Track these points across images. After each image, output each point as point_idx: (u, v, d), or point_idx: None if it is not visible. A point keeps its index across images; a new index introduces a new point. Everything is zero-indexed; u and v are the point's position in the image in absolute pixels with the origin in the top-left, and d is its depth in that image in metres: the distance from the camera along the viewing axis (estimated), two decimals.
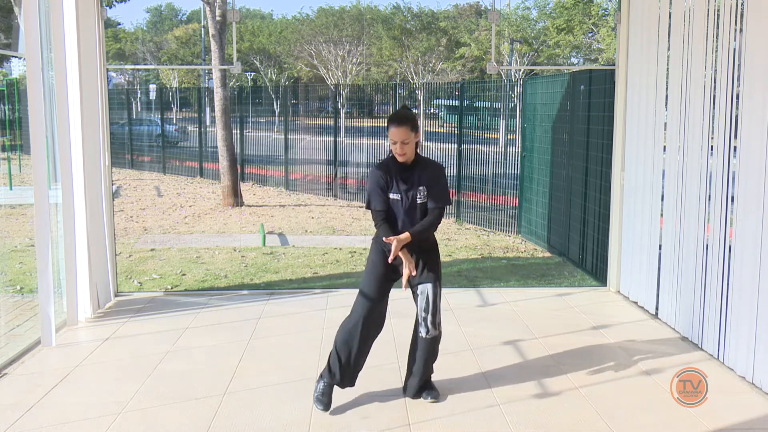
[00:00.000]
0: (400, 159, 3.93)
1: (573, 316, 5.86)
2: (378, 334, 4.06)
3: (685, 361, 4.70)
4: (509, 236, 10.31)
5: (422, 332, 4.01)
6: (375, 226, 4.01)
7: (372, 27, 36.04)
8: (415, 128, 3.87)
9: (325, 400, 3.99)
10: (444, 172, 4.07)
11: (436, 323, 4.01)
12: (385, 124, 4.02)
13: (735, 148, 4.58)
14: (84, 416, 3.91)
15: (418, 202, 3.94)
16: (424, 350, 4.06)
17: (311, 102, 23.64)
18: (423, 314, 4.00)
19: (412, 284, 4.02)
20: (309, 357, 4.75)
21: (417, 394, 4.13)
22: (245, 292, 6.73)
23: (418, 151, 4.00)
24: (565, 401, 4.14)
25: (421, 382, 4.13)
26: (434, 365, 4.19)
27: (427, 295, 3.98)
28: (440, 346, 4.14)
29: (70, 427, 3.79)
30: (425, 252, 4.03)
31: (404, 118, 3.86)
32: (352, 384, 4.10)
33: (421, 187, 3.93)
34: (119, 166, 19.72)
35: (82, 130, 5.52)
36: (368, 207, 4.03)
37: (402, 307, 4.71)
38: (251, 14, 52.44)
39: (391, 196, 3.94)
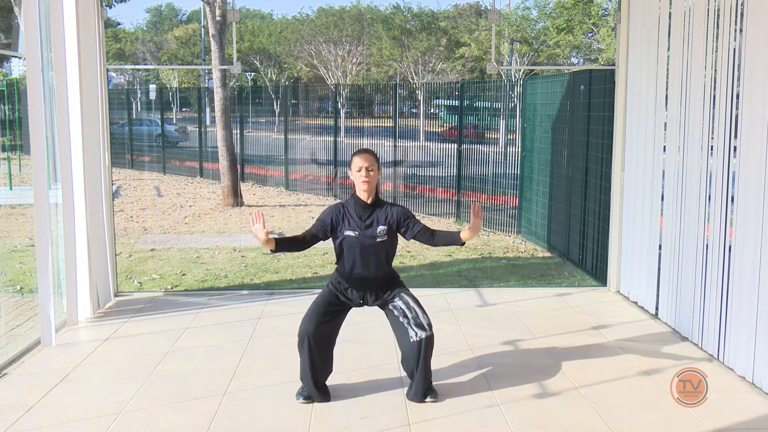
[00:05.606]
0: (364, 188, 4.03)
1: (573, 316, 5.86)
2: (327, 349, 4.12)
3: (685, 361, 4.70)
4: (509, 236, 10.30)
5: (411, 336, 4.02)
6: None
7: (372, 27, 35.99)
8: (378, 162, 4.07)
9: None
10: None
11: (424, 324, 4.02)
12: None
13: (735, 148, 4.58)
14: (84, 416, 3.91)
15: (378, 240, 4.01)
16: (417, 353, 4.02)
17: (311, 102, 23.62)
18: (404, 320, 4.04)
19: (384, 308, 4.12)
20: None
21: (422, 398, 4.10)
22: (245, 292, 6.73)
23: (380, 197, 4.12)
24: (565, 401, 4.14)
25: (425, 387, 4.09)
26: (433, 365, 4.19)
27: (401, 307, 4.05)
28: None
29: (70, 427, 3.79)
30: (384, 285, 4.11)
31: (368, 150, 4.13)
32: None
33: (381, 226, 4.02)
34: (119, 166, 19.70)
35: (82, 130, 5.52)
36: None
37: None
38: (251, 14, 52.36)
39: (347, 233, 4.01)
